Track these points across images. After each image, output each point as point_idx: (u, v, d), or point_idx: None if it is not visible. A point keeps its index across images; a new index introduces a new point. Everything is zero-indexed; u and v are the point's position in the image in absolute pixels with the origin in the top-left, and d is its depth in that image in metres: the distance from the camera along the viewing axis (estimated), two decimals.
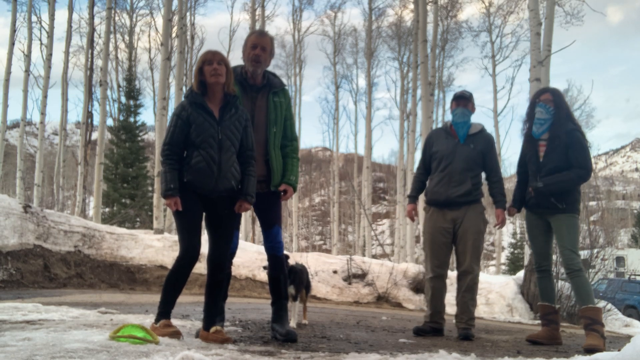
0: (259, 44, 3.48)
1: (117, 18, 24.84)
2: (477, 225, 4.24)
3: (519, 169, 4.41)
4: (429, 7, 15.60)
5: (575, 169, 4.02)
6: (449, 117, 4.81)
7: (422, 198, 4.62)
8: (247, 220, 18.19)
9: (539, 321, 4.78)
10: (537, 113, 4.16)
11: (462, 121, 4.34)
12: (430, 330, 4.24)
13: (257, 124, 3.44)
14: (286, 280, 3.66)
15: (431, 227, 4.35)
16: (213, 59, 3.11)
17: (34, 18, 19.59)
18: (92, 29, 17.51)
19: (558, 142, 4.07)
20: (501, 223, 4.34)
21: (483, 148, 4.30)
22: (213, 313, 3.12)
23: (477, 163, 4.30)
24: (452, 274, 5.83)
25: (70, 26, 20.00)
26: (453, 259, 5.04)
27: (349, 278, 8.27)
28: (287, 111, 3.57)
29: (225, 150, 3.07)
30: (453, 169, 4.25)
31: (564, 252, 4.00)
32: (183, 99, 3.22)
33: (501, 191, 4.36)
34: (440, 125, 6.04)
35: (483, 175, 4.44)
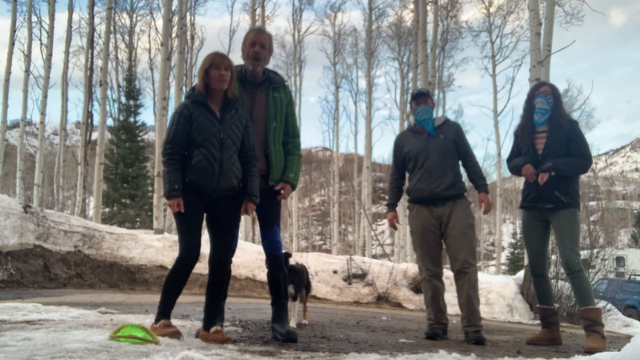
0: (258, 41, 3.49)
1: (117, 18, 24.87)
2: (465, 219, 4.08)
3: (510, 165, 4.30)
4: (429, 7, 15.59)
5: (578, 159, 4.00)
6: (449, 117, 4.71)
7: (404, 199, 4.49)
8: (247, 220, 18.15)
9: (539, 322, 4.78)
10: (537, 103, 4.15)
11: (426, 118, 4.28)
12: (442, 332, 4.10)
13: (257, 119, 3.44)
14: (286, 280, 3.65)
15: (419, 225, 4.20)
16: (221, 63, 3.11)
17: (34, 18, 19.58)
18: (92, 29, 17.53)
19: (560, 132, 4.04)
20: (487, 207, 4.17)
21: (454, 137, 4.22)
22: (213, 313, 3.12)
23: (452, 153, 4.21)
24: (450, 274, 5.81)
25: (70, 26, 19.99)
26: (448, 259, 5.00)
27: (349, 278, 8.27)
28: (288, 107, 3.57)
29: (226, 149, 3.08)
30: (431, 164, 4.15)
31: (564, 252, 3.93)
32: (184, 99, 3.23)
33: (480, 174, 4.23)
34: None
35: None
